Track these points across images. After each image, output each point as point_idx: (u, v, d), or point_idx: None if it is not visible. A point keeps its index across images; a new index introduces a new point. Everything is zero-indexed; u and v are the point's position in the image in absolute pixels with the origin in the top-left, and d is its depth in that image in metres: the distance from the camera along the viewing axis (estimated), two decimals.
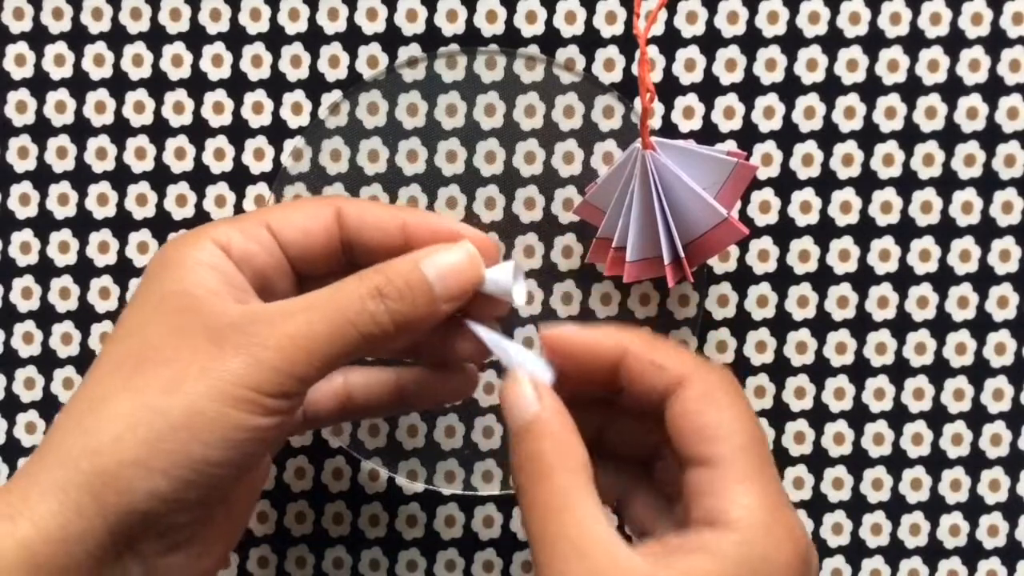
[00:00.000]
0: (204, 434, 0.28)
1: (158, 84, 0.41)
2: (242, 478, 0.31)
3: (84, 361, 0.41)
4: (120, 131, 0.41)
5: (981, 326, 0.40)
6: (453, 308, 0.31)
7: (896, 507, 0.41)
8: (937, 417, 0.41)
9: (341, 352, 0.29)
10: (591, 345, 0.30)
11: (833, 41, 0.40)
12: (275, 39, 0.40)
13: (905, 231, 0.40)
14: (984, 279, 0.40)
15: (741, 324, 0.40)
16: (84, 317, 0.41)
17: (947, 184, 0.40)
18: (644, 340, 0.30)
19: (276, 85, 0.40)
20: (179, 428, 0.28)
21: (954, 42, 0.40)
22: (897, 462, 0.41)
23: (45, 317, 0.41)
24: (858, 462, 0.41)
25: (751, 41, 0.40)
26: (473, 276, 0.31)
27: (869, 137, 0.40)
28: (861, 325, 0.40)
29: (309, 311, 0.29)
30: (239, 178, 0.41)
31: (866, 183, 0.40)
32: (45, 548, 0.27)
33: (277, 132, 0.41)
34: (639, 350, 0.30)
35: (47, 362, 0.41)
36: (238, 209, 0.41)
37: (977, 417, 0.41)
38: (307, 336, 0.29)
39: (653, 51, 0.40)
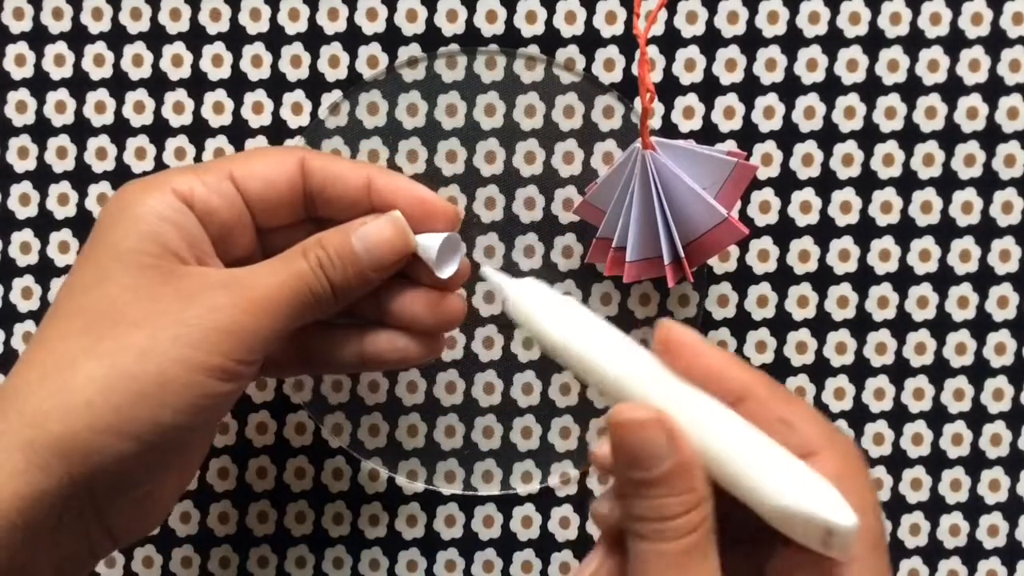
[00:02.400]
0: (174, 400, 0.29)
1: (158, 84, 0.41)
2: (201, 438, 0.33)
3: None
4: (120, 131, 0.41)
5: (981, 326, 0.40)
6: (382, 276, 0.32)
7: (896, 507, 0.41)
8: (937, 417, 0.41)
9: (298, 315, 0.31)
10: (713, 369, 0.25)
11: (833, 41, 0.40)
12: (275, 39, 0.40)
13: (905, 231, 0.40)
14: (984, 279, 0.40)
15: (741, 324, 0.40)
16: None
17: (947, 184, 0.40)
18: (771, 388, 0.26)
19: (276, 85, 0.40)
20: (150, 395, 0.28)
21: (954, 42, 0.40)
22: (897, 462, 0.41)
23: None
24: None
25: (751, 41, 0.40)
26: (398, 246, 0.32)
27: (869, 137, 0.40)
28: (861, 325, 0.40)
29: (272, 275, 0.30)
30: None
31: (866, 183, 0.40)
32: (13, 505, 0.27)
33: (277, 132, 0.41)
34: (767, 398, 0.25)
35: None
36: None
37: (977, 417, 0.40)
38: (273, 299, 0.30)
39: (653, 51, 0.40)
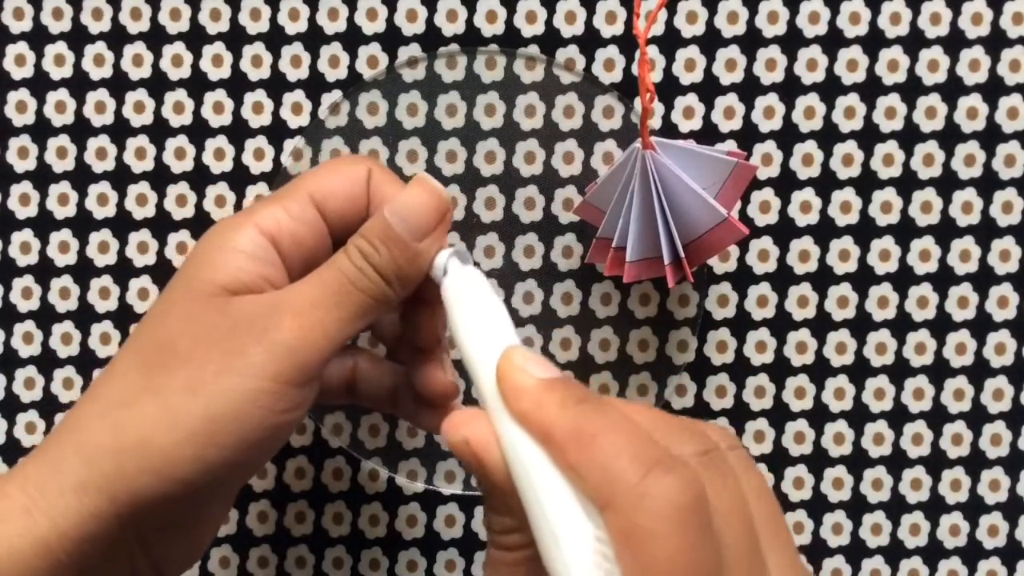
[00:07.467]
0: (222, 438, 0.28)
1: (158, 84, 0.41)
2: (248, 473, 0.33)
3: (84, 361, 0.41)
4: (120, 131, 0.41)
5: (981, 326, 0.40)
6: (430, 243, 0.31)
7: (896, 507, 0.41)
8: (937, 417, 0.41)
9: (351, 316, 0.30)
10: (523, 410, 0.24)
11: (833, 41, 0.40)
12: (275, 39, 0.40)
13: (905, 231, 0.40)
14: (984, 279, 0.40)
15: (741, 324, 0.40)
16: (84, 317, 0.41)
17: (947, 184, 0.40)
18: (577, 430, 0.23)
19: (276, 85, 0.40)
20: (199, 434, 0.28)
21: (954, 42, 0.40)
22: (897, 462, 0.41)
23: (45, 317, 0.41)
24: (858, 462, 0.41)
25: (751, 41, 0.40)
26: (434, 202, 0.31)
27: (869, 137, 0.40)
28: (861, 325, 0.40)
29: (315, 279, 0.30)
30: (239, 178, 0.41)
31: (866, 183, 0.40)
32: (61, 545, 0.28)
33: (277, 132, 0.41)
34: (561, 444, 0.23)
35: (47, 362, 0.41)
36: (238, 209, 0.41)
37: (977, 417, 0.40)
38: (318, 304, 0.29)
39: (653, 51, 0.40)
